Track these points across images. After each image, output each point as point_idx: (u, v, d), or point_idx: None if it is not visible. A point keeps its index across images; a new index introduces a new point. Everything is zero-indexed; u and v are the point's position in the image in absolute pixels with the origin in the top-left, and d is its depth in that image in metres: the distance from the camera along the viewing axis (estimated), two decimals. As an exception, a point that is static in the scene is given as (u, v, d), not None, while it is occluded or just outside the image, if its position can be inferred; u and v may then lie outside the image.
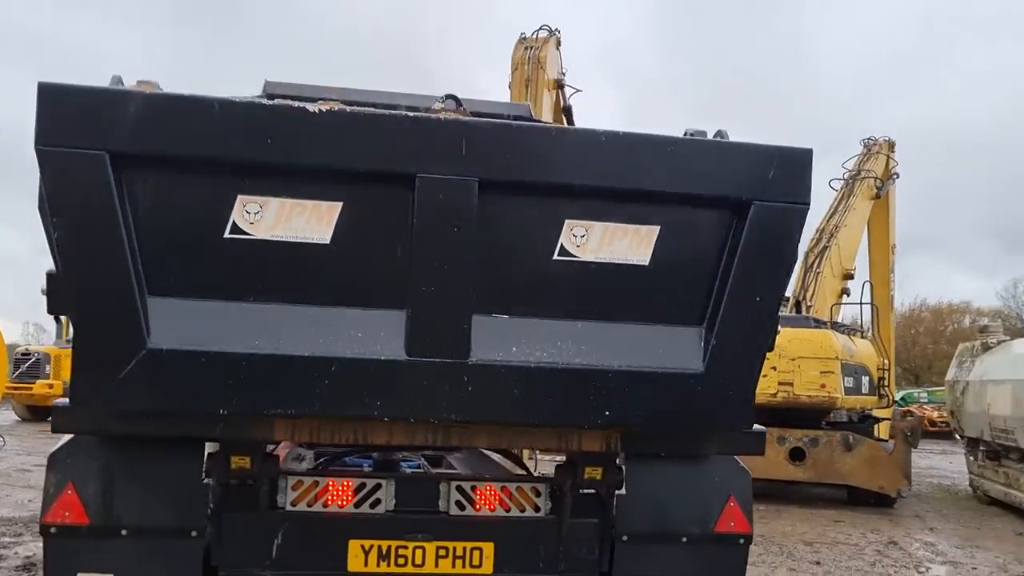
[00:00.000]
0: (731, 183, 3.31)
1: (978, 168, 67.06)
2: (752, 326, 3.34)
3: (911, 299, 50.40)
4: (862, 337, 15.02)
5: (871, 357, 14.38)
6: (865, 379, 14.39)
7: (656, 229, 3.37)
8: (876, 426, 14.38)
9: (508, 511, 3.73)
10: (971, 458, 15.33)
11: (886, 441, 13.45)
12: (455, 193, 3.16)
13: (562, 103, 14.30)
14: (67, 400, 3.14)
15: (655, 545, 3.69)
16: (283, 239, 3.18)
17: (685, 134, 3.58)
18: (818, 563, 8.61)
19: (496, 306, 3.26)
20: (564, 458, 3.90)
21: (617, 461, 3.65)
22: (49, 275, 3.21)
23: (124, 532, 3.33)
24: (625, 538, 3.66)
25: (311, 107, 3.12)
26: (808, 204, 3.38)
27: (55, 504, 3.31)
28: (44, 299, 3.30)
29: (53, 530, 3.29)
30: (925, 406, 31.44)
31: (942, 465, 20.63)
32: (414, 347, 3.15)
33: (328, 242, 3.20)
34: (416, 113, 3.26)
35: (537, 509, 3.77)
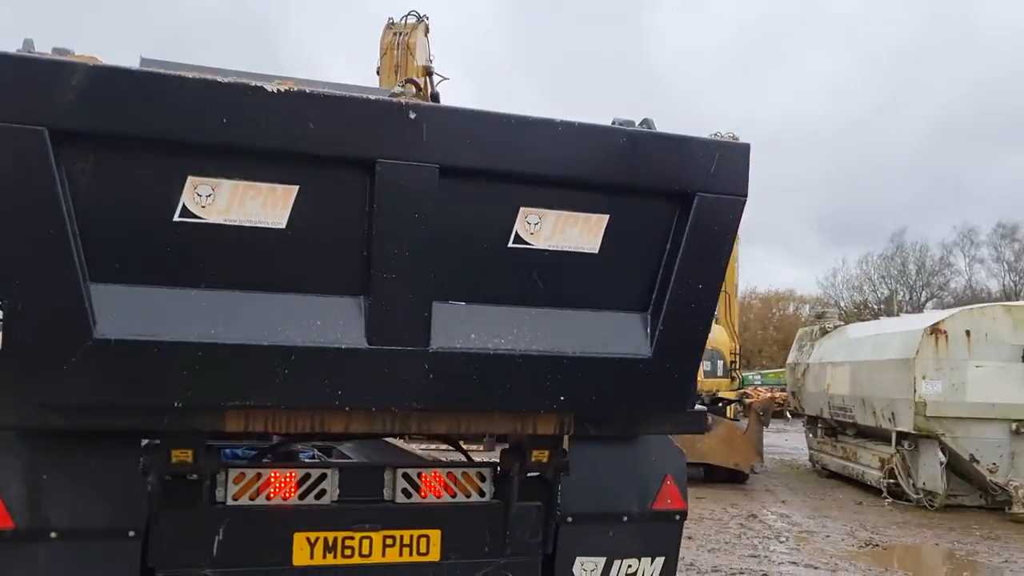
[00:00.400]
0: (677, 175, 3.44)
1: (808, 164, 72.06)
2: (695, 312, 3.49)
3: (743, 287, 53.50)
4: (716, 323, 15.85)
5: (725, 342, 15.23)
6: (720, 363, 15.22)
7: (605, 218, 3.45)
8: (727, 407, 15.23)
9: (454, 496, 3.74)
10: (811, 435, 16.52)
11: (738, 421, 14.29)
12: (415, 179, 3.13)
13: (430, 90, 14.26)
14: None
15: (597, 524, 3.80)
16: (237, 223, 3.05)
17: (613, 123, 3.67)
18: (690, 538, 9.05)
19: (454, 293, 3.25)
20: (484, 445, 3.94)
21: (563, 444, 3.73)
22: None
23: (54, 535, 3.10)
24: (570, 519, 3.75)
25: (269, 87, 3.00)
26: (746, 196, 3.55)
27: None
28: None
29: None
30: (759, 388, 33.47)
31: (779, 442, 22.10)
32: (375, 335, 3.10)
33: (284, 227, 3.09)
34: (377, 97, 3.20)
35: (482, 494, 3.79)
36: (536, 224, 3.38)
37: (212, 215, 3.02)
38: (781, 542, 9.53)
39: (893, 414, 12.40)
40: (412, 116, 3.14)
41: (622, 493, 3.85)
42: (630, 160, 3.40)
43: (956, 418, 11.58)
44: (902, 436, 12.27)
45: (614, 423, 3.65)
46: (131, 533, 3.17)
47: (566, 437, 3.71)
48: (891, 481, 12.54)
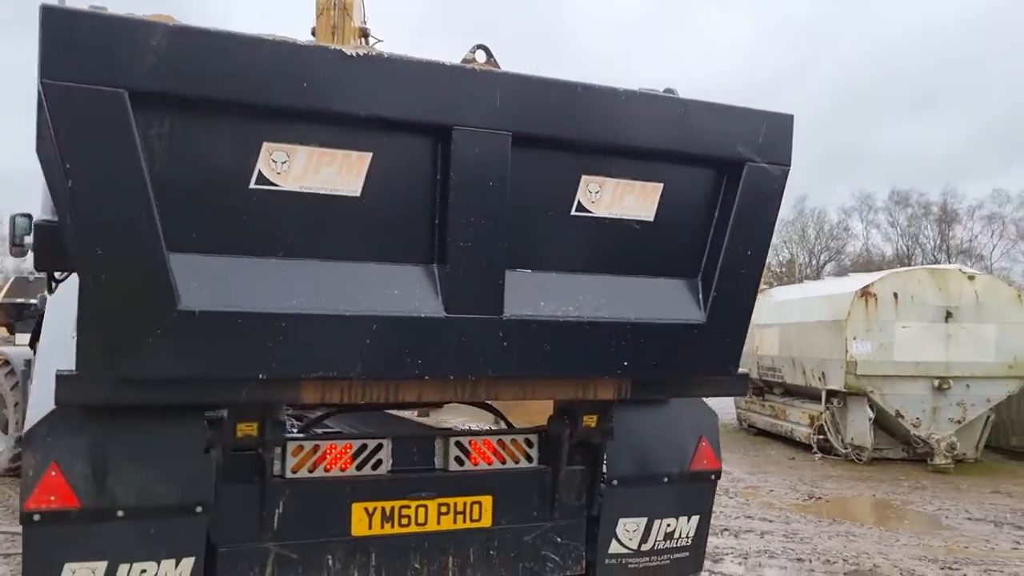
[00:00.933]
0: (729, 144, 3.51)
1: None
2: (745, 279, 3.59)
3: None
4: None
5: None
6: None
7: (660, 186, 3.51)
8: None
9: (503, 463, 3.77)
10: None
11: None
12: (490, 146, 3.11)
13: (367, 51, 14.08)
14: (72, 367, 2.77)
15: (640, 487, 3.89)
16: (312, 191, 2.97)
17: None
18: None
19: (523, 261, 3.26)
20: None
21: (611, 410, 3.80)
22: (39, 226, 2.79)
23: (121, 514, 3.00)
24: (615, 482, 3.84)
25: (347, 50, 2.92)
26: (790, 166, 3.66)
27: (38, 487, 2.91)
28: None
29: (36, 517, 2.90)
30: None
31: (700, 402, 22.79)
32: (451, 303, 3.08)
33: (358, 195, 3.03)
34: (452, 63, 3.15)
35: (529, 459, 3.84)
36: (597, 192, 3.41)
37: (287, 182, 2.94)
38: (730, 498, 9.91)
39: (823, 373, 12.97)
40: (488, 82, 3.11)
41: (662, 455, 3.95)
42: (685, 129, 3.45)
43: (884, 376, 12.21)
44: (832, 394, 12.86)
45: (668, 387, 3.73)
46: (198, 509, 3.09)
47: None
48: (821, 437, 13.16)
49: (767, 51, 78.69)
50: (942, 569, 7.33)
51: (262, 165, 2.90)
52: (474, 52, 3.42)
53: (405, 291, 3.07)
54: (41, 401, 3.18)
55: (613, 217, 3.44)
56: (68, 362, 3.13)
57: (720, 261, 3.53)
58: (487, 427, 4.83)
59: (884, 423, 12.80)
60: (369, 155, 3.03)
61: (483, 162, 3.10)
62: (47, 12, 2.54)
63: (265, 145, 2.90)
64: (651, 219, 3.51)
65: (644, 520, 3.92)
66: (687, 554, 4.05)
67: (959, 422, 12.50)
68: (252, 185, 2.89)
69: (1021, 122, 62.00)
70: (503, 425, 4.39)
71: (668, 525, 3.97)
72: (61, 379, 2.77)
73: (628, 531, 3.90)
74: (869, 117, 72.69)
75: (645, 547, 3.93)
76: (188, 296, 2.74)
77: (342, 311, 2.93)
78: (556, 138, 3.26)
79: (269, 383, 2.96)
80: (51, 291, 3.02)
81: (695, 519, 4.04)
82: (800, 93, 74.05)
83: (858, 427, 12.54)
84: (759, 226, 3.62)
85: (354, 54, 2.92)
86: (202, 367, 2.79)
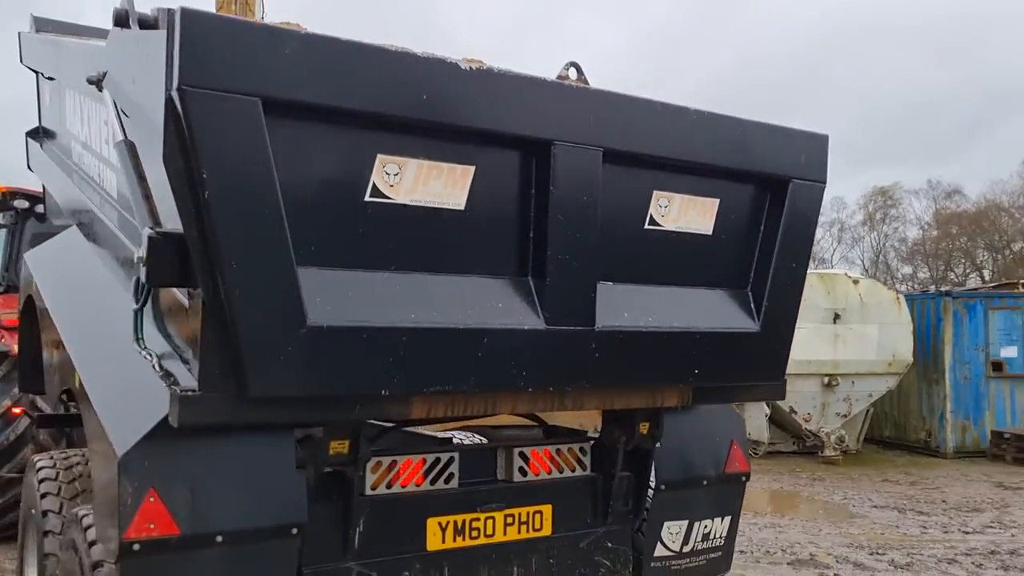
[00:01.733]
0: (778, 162, 3.70)
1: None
2: (792, 289, 3.79)
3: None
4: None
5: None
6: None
7: (716, 202, 3.66)
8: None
9: (561, 472, 3.82)
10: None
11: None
12: (585, 162, 3.16)
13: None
14: (192, 387, 2.62)
15: (683, 490, 4.02)
16: (420, 204, 2.94)
17: None
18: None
19: (607, 273, 3.33)
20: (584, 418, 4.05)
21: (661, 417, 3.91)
22: (158, 237, 2.63)
23: (219, 539, 2.85)
24: (663, 487, 3.95)
25: (462, 64, 2.91)
26: (826, 183, 3.89)
27: (137, 516, 2.73)
28: None
29: (136, 547, 2.72)
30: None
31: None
32: (551, 315, 3.11)
33: (463, 208, 3.02)
34: (553, 79, 3.18)
35: (583, 467, 3.90)
36: (666, 207, 3.52)
37: (399, 195, 2.89)
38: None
39: (723, 373, 13.61)
40: (584, 99, 3.17)
41: (700, 459, 4.10)
42: (740, 147, 3.60)
43: (780, 375, 12.93)
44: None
45: (722, 393, 3.88)
46: (294, 531, 2.98)
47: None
48: (719, 433, 13.79)
49: (637, 57, 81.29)
50: (871, 555, 7.89)
51: (376, 178, 2.84)
52: (567, 69, 3.46)
53: (506, 304, 3.07)
54: (117, 419, 2.99)
55: (679, 231, 3.56)
56: (139, 376, 2.99)
57: (771, 273, 3.71)
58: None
59: (778, 418, 13.59)
60: (472, 168, 3.02)
61: (578, 177, 3.15)
62: (187, 17, 2.42)
63: (379, 157, 2.84)
64: (709, 233, 3.65)
65: (686, 523, 4.05)
66: (720, 554, 4.22)
67: (845, 416, 13.44)
68: (367, 198, 2.83)
69: (862, 133, 66.75)
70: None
71: (705, 526, 4.13)
72: (184, 399, 2.61)
73: (672, 534, 4.02)
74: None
75: (686, 549, 4.07)
76: (314, 311, 2.65)
77: (458, 324, 2.91)
78: (636, 154, 3.34)
79: (383, 399, 2.90)
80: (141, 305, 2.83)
81: (727, 519, 4.21)
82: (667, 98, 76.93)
83: (755, 423, 13.23)
84: (802, 239, 3.82)
85: (468, 68, 2.91)
86: (329, 384, 2.71)
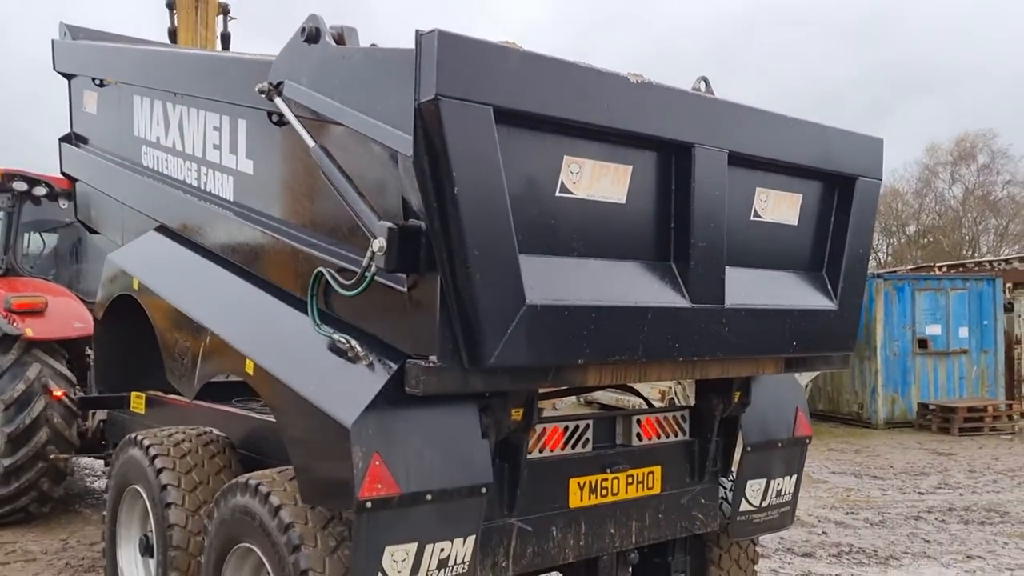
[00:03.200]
0: (848, 162, 4.26)
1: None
2: (860, 272, 4.36)
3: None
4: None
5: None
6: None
7: (799, 196, 4.19)
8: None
9: (667, 437, 4.30)
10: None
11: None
12: (717, 162, 3.64)
13: (223, 29, 13.62)
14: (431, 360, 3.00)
15: (764, 452, 4.55)
16: (594, 199, 3.36)
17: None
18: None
19: (730, 259, 3.81)
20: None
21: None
22: (400, 228, 2.99)
23: (429, 497, 3.21)
24: (749, 449, 4.47)
25: (631, 78, 3.34)
26: (881, 180, 4.48)
27: (367, 478, 3.07)
28: None
29: (369, 505, 3.06)
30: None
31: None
32: (694, 295, 3.58)
33: (624, 202, 3.46)
34: (690, 91, 3.65)
35: (684, 432, 4.38)
36: (765, 201, 4.04)
37: (580, 191, 3.31)
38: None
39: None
40: (716, 108, 3.66)
41: (776, 425, 4.64)
42: (823, 149, 4.15)
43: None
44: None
45: (805, 363, 4.41)
46: (483, 490, 3.36)
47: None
48: (673, 412, 14.55)
49: (560, 34, 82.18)
50: (847, 514, 8.68)
51: (564, 176, 3.25)
52: (699, 82, 3.92)
53: (660, 285, 3.53)
54: (330, 396, 3.30)
55: (775, 222, 4.08)
56: (327, 358, 3.35)
57: (845, 257, 4.27)
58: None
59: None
60: (630, 168, 3.46)
61: (712, 175, 3.62)
62: (443, 38, 2.78)
63: (565, 158, 3.25)
64: (795, 223, 4.18)
65: (764, 481, 4.58)
66: (788, 508, 4.78)
67: (789, 393, 14.35)
68: (557, 194, 3.24)
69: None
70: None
71: (778, 484, 4.67)
72: (427, 370, 2.97)
73: (754, 491, 4.54)
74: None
75: (764, 504, 4.60)
76: (530, 292, 3.05)
77: (630, 303, 3.35)
78: (749, 155, 3.84)
79: (568, 368, 3.31)
80: None
81: (794, 478, 4.76)
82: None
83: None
84: (866, 229, 4.40)
85: (636, 81, 3.34)
86: (542, 355, 3.11)
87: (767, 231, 4.06)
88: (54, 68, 6.94)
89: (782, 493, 4.72)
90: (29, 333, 7.52)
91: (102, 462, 8.78)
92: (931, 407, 15.12)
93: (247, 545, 3.67)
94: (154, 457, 4.54)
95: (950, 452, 12.84)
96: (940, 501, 9.40)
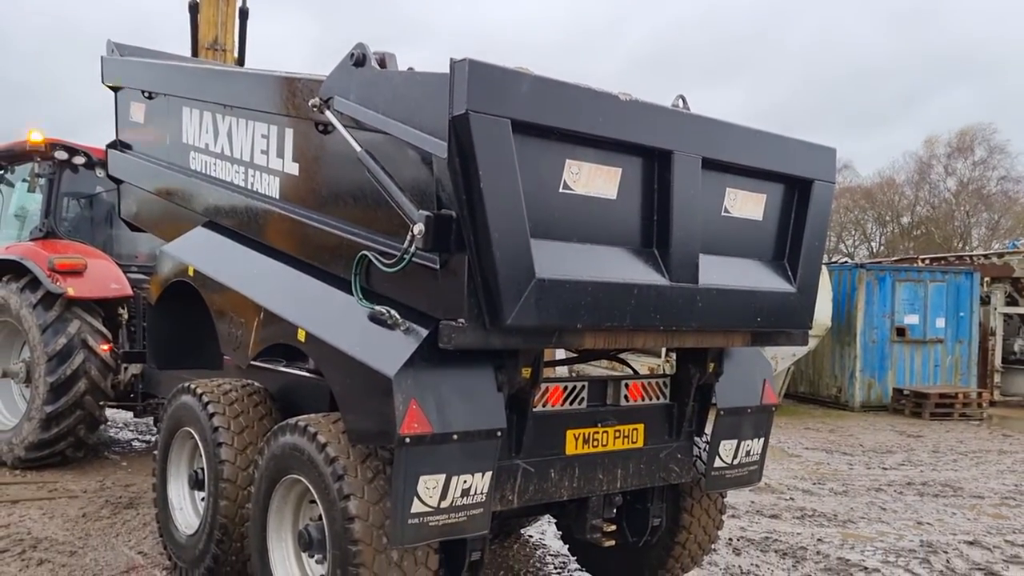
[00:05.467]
0: (806, 167, 5.00)
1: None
2: (815, 261, 5.11)
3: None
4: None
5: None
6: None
7: (764, 196, 4.94)
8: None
9: (652, 399, 5.05)
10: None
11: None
12: (693, 166, 4.38)
13: (241, 4, 13.93)
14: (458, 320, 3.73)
15: (736, 416, 5.29)
16: (591, 195, 4.10)
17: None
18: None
19: (703, 247, 4.55)
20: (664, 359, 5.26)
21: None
22: (435, 217, 3.72)
23: (455, 437, 3.95)
24: (722, 412, 5.22)
25: (621, 96, 4.07)
26: (835, 183, 5.23)
27: (406, 418, 3.80)
28: None
29: (408, 440, 3.80)
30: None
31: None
32: (673, 275, 4.32)
33: (614, 198, 4.19)
34: (669, 107, 4.39)
35: (665, 396, 5.14)
36: (734, 200, 4.78)
37: (579, 188, 4.04)
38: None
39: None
40: (690, 121, 4.40)
41: (746, 392, 5.37)
42: (783, 156, 4.89)
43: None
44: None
45: (768, 337, 5.16)
46: (499, 433, 4.10)
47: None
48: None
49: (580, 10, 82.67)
50: (814, 484, 9.47)
51: (566, 176, 3.98)
52: (677, 99, 4.66)
53: (643, 266, 4.27)
54: (374, 354, 4.04)
55: (743, 217, 4.82)
56: (367, 325, 4.12)
57: (802, 248, 5.02)
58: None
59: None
60: (619, 170, 4.20)
61: (688, 177, 4.36)
62: (472, 65, 3.51)
63: (567, 161, 3.98)
64: (760, 219, 4.93)
65: (736, 441, 5.31)
66: (756, 467, 5.52)
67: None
68: (560, 190, 3.97)
69: (800, 101, 68.86)
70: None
71: (748, 445, 5.41)
72: (453, 329, 3.71)
73: (727, 449, 5.28)
74: (662, 87, 77.77)
75: (735, 462, 5.34)
76: (539, 268, 3.79)
77: (619, 280, 4.09)
78: (719, 160, 4.57)
79: (570, 331, 4.04)
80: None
81: (761, 441, 5.50)
82: (597, 58, 78.13)
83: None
84: (821, 224, 5.15)
85: (625, 99, 4.08)
86: (547, 318, 3.83)
87: (735, 225, 4.80)
88: (102, 82, 7.61)
89: (751, 453, 5.47)
90: (71, 292, 8.27)
91: (125, 415, 9.54)
92: (905, 392, 15.94)
93: (295, 476, 4.43)
94: (207, 403, 5.29)
95: (919, 435, 13.66)
96: (901, 476, 10.20)
